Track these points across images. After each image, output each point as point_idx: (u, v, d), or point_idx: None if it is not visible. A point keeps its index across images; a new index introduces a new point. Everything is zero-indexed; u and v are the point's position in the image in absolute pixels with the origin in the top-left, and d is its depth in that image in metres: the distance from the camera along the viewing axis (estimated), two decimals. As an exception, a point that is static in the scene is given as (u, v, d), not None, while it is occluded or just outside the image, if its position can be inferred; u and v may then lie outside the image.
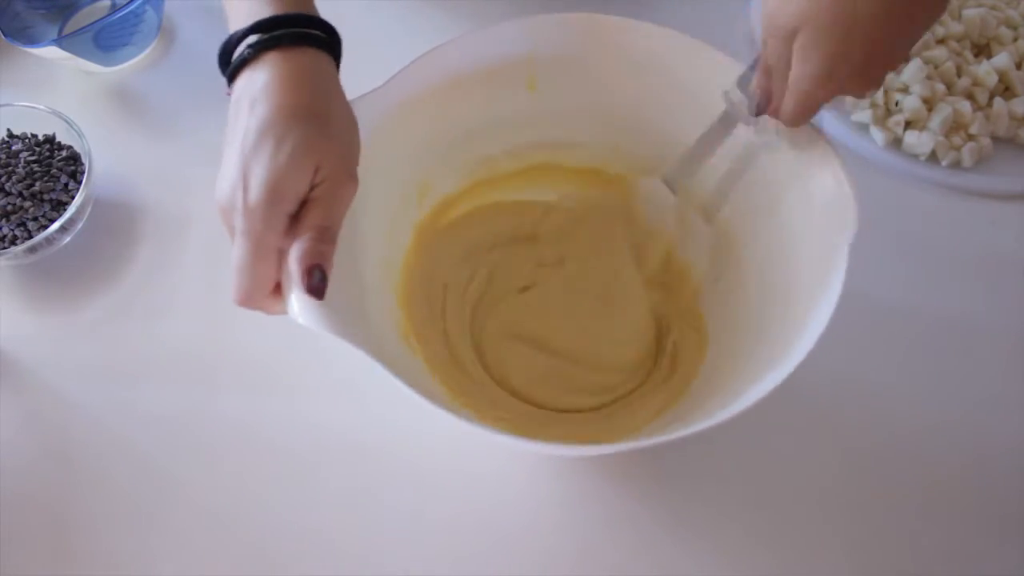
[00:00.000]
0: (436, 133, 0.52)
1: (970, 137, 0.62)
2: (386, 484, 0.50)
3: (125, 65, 0.67)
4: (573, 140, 0.56)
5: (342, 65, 0.43)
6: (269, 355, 0.55)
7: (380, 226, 0.50)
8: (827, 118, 0.64)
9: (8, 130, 0.61)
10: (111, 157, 0.62)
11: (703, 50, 0.48)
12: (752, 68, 0.47)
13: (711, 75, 0.48)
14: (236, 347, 0.55)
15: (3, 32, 0.63)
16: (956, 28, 0.66)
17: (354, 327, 0.40)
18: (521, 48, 0.50)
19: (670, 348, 0.53)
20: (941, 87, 0.63)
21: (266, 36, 0.39)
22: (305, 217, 0.38)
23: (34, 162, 0.59)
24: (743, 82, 0.47)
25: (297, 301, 0.38)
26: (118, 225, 0.60)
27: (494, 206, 0.57)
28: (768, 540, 0.49)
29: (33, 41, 0.66)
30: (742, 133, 0.49)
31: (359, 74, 0.45)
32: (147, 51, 0.68)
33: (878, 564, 0.48)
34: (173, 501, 0.50)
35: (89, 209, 0.59)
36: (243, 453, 0.52)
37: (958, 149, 0.61)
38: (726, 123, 0.49)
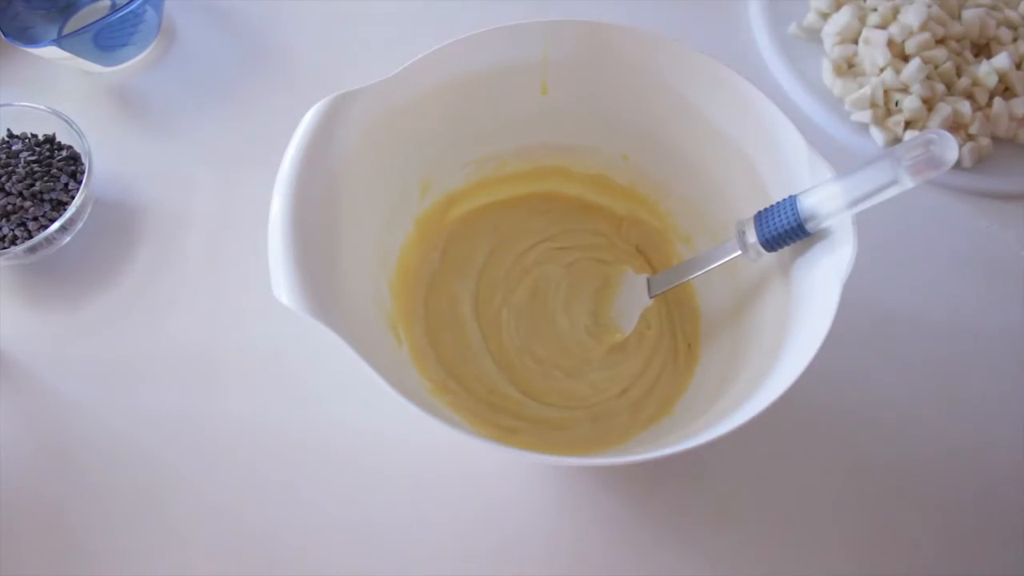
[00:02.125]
0: (443, 128, 0.52)
1: (970, 137, 0.62)
2: (385, 484, 0.50)
3: (125, 65, 0.67)
4: (582, 145, 0.56)
5: (353, 59, 0.42)
6: (269, 355, 0.55)
7: (379, 216, 0.50)
8: (827, 119, 0.64)
9: (8, 130, 0.61)
10: (111, 157, 0.62)
11: (715, 68, 0.47)
12: (772, 207, 0.43)
13: (718, 95, 0.48)
14: (236, 347, 0.55)
15: (3, 32, 0.63)
16: (956, 28, 0.66)
17: (338, 315, 0.39)
18: (532, 50, 0.50)
19: (658, 360, 0.53)
20: (941, 87, 0.63)
21: None
22: None
23: (34, 162, 0.59)
24: (760, 219, 0.44)
25: (283, 284, 0.38)
26: (118, 225, 0.60)
27: (497, 205, 0.57)
28: (765, 546, 0.49)
29: (33, 41, 0.65)
30: None
31: (368, 69, 0.45)
32: (147, 51, 0.68)
33: (878, 568, 0.48)
34: (172, 501, 0.50)
35: (89, 209, 0.59)
36: (243, 453, 0.52)
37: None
38: (730, 251, 0.47)
